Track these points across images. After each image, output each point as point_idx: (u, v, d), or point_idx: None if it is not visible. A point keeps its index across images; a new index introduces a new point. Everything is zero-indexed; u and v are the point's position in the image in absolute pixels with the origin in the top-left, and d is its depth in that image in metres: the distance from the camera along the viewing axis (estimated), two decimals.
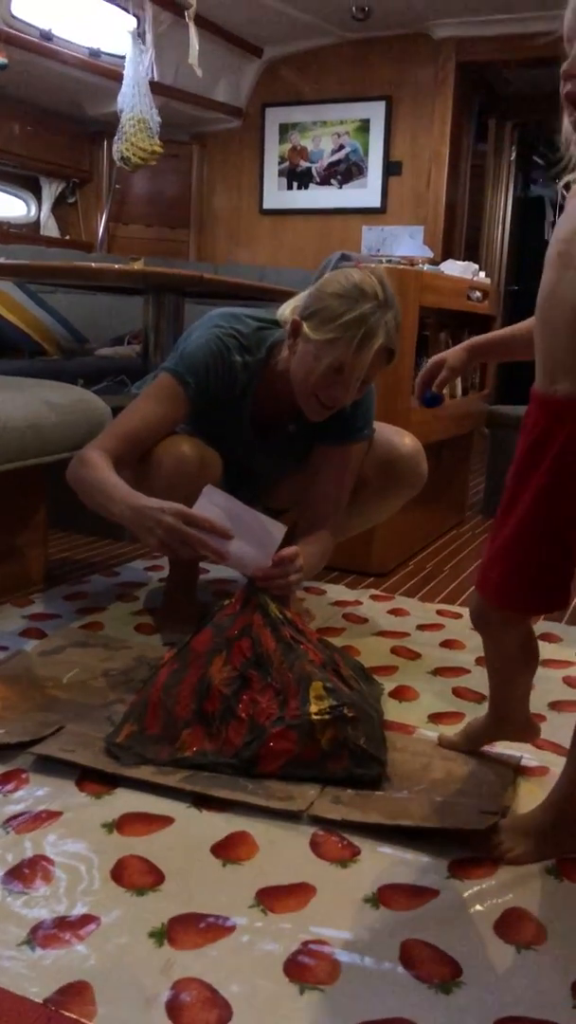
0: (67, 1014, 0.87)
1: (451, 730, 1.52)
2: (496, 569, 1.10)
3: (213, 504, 1.50)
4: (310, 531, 1.79)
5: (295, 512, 1.95)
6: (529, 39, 4.39)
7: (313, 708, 1.33)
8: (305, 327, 1.64)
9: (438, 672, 1.79)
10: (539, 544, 1.05)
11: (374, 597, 2.28)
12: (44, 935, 0.98)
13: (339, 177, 5.08)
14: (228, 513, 1.50)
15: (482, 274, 3.05)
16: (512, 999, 0.92)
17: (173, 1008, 0.88)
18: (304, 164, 5.15)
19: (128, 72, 4.15)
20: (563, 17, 0.95)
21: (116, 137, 4.24)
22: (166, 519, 1.49)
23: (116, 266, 2.85)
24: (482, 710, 1.60)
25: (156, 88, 4.47)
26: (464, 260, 3.12)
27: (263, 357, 1.77)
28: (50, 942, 0.97)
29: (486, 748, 1.46)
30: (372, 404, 1.86)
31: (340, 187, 5.09)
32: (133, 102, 4.16)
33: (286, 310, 1.76)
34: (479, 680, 1.75)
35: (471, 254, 5.21)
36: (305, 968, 0.95)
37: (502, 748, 1.46)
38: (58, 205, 5.02)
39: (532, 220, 6.29)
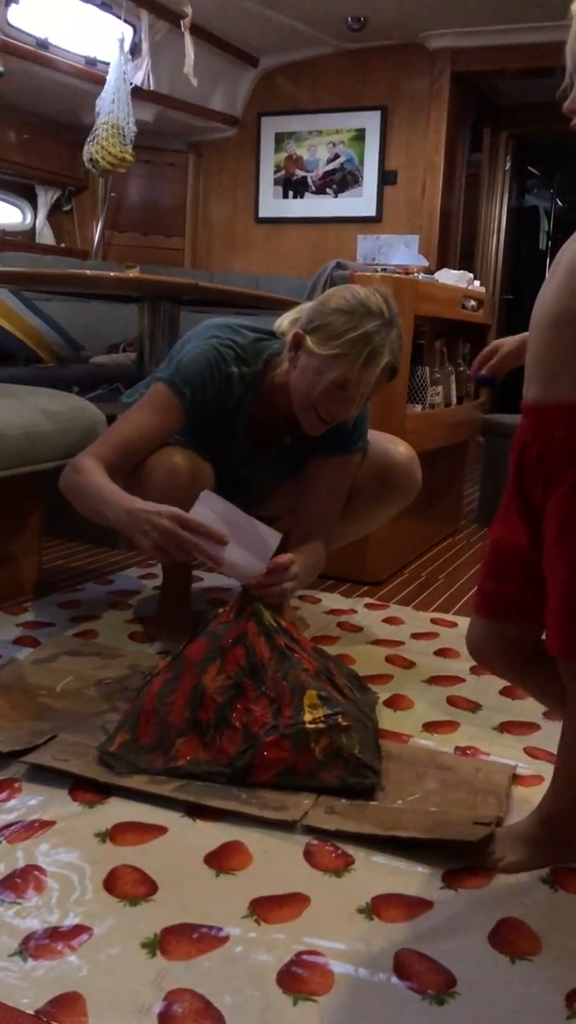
0: None
1: (446, 739, 1.52)
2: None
3: (209, 509, 1.50)
4: (303, 541, 1.78)
5: (288, 521, 1.95)
6: (524, 49, 4.41)
7: (307, 717, 1.32)
8: (308, 341, 1.63)
9: (433, 681, 1.78)
10: None
11: (369, 606, 2.27)
12: (36, 945, 0.97)
13: (334, 186, 5.09)
14: (224, 519, 1.50)
15: (477, 283, 3.06)
16: (507, 1010, 0.91)
17: (166, 1019, 0.88)
18: (300, 173, 5.16)
19: (111, 78, 4.16)
20: (564, 47, 0.95)
21: (88, 139, 4.24)
22: (162, 522, 1.48)
23: (111, 274, 2.85)
24: (476, 719, 1.60)
25: (151, 97, 4.48)
26: (459, 269, 3.13)
27: (260, 369, 1.77)
28: (42, 952, 0.96)
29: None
30: (367, 417, 1.86)
31: (335, 196, 5.10)
32: (111, 107, 4.17)
33: (284, 322, 1.76)
34: (473, 689, 1.75)
35: (466, 263, 5.22)
36: (299, 979, 0.94)
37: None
38: (53, 213, 5.02)
39: (527, 229, 6.31)
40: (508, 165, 5.72)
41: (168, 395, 1.73)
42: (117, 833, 1.20)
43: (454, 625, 2.15)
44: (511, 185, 5.82)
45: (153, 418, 1.73)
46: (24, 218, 4.91)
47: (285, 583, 1.51)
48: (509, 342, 1.41)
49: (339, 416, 1.69)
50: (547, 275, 1.02)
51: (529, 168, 6.32)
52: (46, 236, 4.96)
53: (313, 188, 5.15)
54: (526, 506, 1.07)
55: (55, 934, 0.99)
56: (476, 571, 2.70)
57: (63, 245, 5.06)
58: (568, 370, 0.98)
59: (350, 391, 1.63)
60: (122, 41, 4.11)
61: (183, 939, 0.99)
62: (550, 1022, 0.90)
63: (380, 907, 1.07)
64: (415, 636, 2.05)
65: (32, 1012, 0.88)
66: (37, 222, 4.93)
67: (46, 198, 4.92)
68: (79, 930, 1.00)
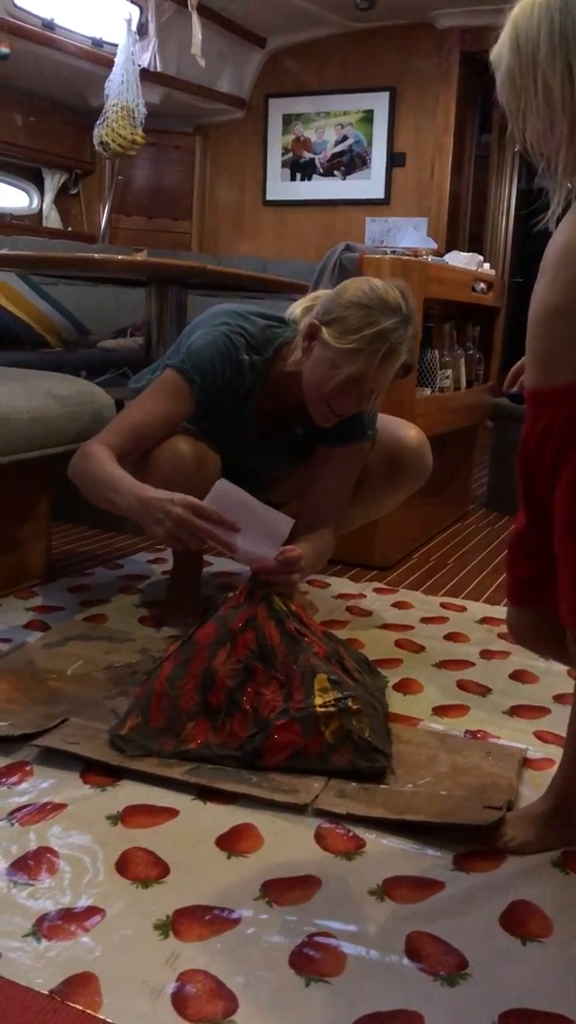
0: (73, 1005, 0.87)
1: (456, 723, 1.52)
2: None
3: (223, 497, 1.50)
4: (312, 529, 1.78)
5: (295, 507, 1.94)
6: None
7: (317, 700, 1.33)
8: (324, 333, 1.62)
9: (442, 665, 1.78)
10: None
11: (378, 590, 2.27)
12: (49, 926, 0.98)
13: (342, 168, 5.06)
14: (238, 506, 1.50)
15: (486, 265, 3.04)
16: (518, 992, 0.91)
17: (179, 999, 0.88)
18: (307, 155, 5.13)
19: (119, 59, 4.13)
20: None
21: (98, 122, 4.22)
22: (175, 510, 1.48)
23: (119, 257, 2.84)
24: (486, 703, 1.60)
25: (158, 78, 4.45)
26: (468, 251, 3.11)
27: (270, 357, 1.76)
28: (55, 933, 0.97)
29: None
30: (376, 406, 1.85)
31: (343, 178, 5.07)
32: (120, 90, 4.14)
33: (297, 310, 1.74)
34: (483, 673, 1.75)
35: (475, 245, 5.19)
36: (311, 960, 0.95)
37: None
38: (60, 196, 5.00)
39: (537, 212, 6.26)
40: (518, 146, 5.67)
41: (179, 382, 1.71)
42: (128, 816, 1.20)
43: (463, 609, 2.15)
44: (521, 167, 5.76)
45: (163, 405, 1.72)
46: (31, 202, 4.90)
47: (293, 574, 1.51)
48: None
49: (351, 410, 1.68)
50: (538, 272, 1.02)
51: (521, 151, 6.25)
52: (53, 220, 4.94)
53: (321, 170, 5.11)
54: (530, 490, 1.07)
55: (68, 915, 1.00)
56: (485, 555, 2.69)
57: (70, 229, 5.04)
58: (565, 356, 0.99)
59: (365, 387, 1.63)
60: (130, 22, 4.08)
61: (195, 921, 1.00)
62: (562, 1004, 0.90)
63: (391, 889, 1.07)
64: (424, 620, 2.05)
65: (46, 992, 0.88)
66: (44, 206, 4.91)
67: (53, 182, 4.90)
68: (92, 911, 1.01)
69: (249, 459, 1.88)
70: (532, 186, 6.25)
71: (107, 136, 4.18)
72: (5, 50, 3.77)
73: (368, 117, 4.94)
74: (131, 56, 4.11)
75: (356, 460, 1.84)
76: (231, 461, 1.84)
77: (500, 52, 0.95)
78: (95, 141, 4.27)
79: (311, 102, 5.06)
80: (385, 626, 2.00)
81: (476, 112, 5.14)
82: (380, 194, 4.98)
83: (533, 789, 1.30)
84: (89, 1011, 0.86)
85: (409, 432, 1.93)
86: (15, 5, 3.86)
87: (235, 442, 1.83)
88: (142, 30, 4.23)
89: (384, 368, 1.60)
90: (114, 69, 4.14)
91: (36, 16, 3.98)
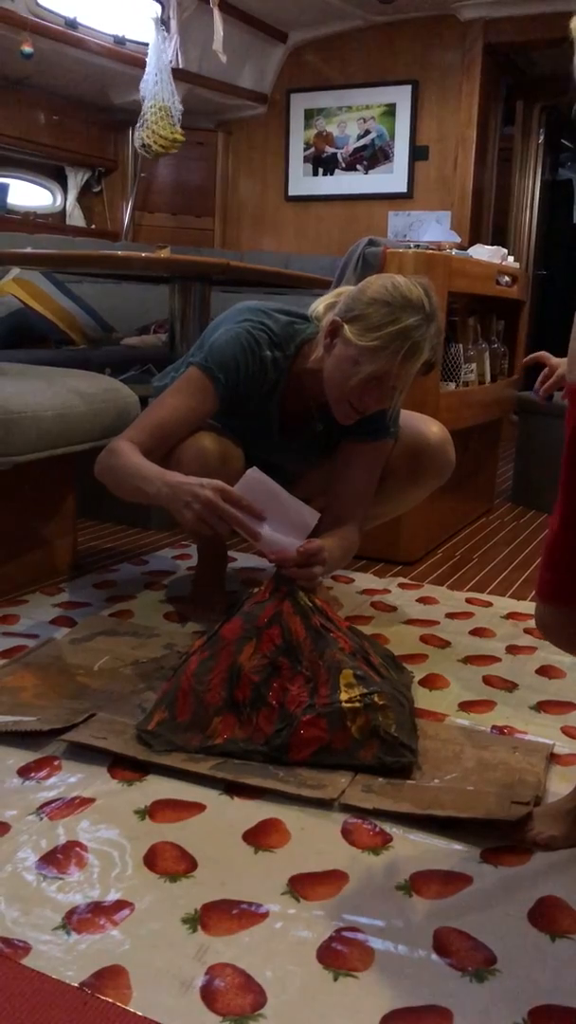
0: (103, 998, 0.88)
1: (482, 719, 1.51)
2: None
3: (253, 485, 1.51)
4: (336, 526, 1.77)
5: (319, 503, 1.94)
6: (559, 18, 4.32)
7: (343, 696, 1.33)
8: (346, 330, 1.61)
9: (468, 660, 1.78)
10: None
11: (402, 585, 2.27)
12: (79, 920, 0.99)
13: (365, 162, 5.04)
14: (266, 495, 1.51)
15: (510, 258, 3.02)
16: (547, 987, 0.91)
17: (208, 993, 0.89)
18: (330, 150, 5.12)
19: (151, 59, 4.14)
20: None
21: (138, 125, 4.23)
22: (205, 492, 1.49)
23: (143, 254, 2.85)
24: (513, 698, 1.60)
25: (181, 75, 4.45)
26: (492, 245, 3.09)
27: (293, 354, 1.76)
28: (85, 927, 0.97)
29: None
30: (399, 404, 1.84)
31: (366, 172, 5.05)
32: (155, 90, 4.15)
33: (320, 306, 1.74)
34: (509, 668, 1.74)
35: (499, 239, 5.15)
36: (338, 955, 0.95)
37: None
38: (83, 194, 5.02)
39: (561, 204, 6.21)
40: (541, 138, 5.62)
41: (202, 379, 1.72)
42: (156, 810, 1.21)
43: (489, 605, 2.14)
44: (544, 158, 5.72)
45: (187, 402, 1.73)
46: (54, 200, 4.92)
47: (314, 567, 1.51)
48: (561, 362, 1.47)
49: (372, 408, 1.67)
50: None
51: (563, 141, 6.20)
52: (76, 218, 4.97)
53: (343, 165, 5.10)
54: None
55: (97, 909, 1.00)
56: (511, 550, 2.68)
57: (93, 227, 5.06)
58: None
59: (386, 385, 1.62)
60: (158, 21, 4.08)
61: (223, 915, 1.00)
62: None
63: (419, 884, 1.07)
64: (450, 616, 2.04)
65: (76, 985, 0.89)
66: (67, 204, 4.93)
67: (76, 180, 4.92)
68: (121, 905, 1.01)
69: (273, 455, 1.88)
70: (556, 178, 6.21)
71: (148, 138, 4.20)
72: (28, 49, 3.79)
73: (390, 111, 4.91)
74: (162, 55, 4.12)
75: (379, 458, 1.84)
76: (255, 457, 1.84)
77: None
78: (136, 144, 4.29)
79: (333, 96, 5.04)
80: (410, 621, 1.99)
81: (499, 104, 5.10)
82: (403, 188, 4.96)
83: (561, 784, 1.29)
84: (119, 1004, 0.87)
85: (432, 428, 1.92)
86: (38, 4, 3.87)
87: (259, 438, 1.83)
88: (164, 26, 4.24)
89: (406, 366, 1.59)
90: (147, 69, 4.15)
91: (59, 15, 3.99)
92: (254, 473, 1.53)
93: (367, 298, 1.61)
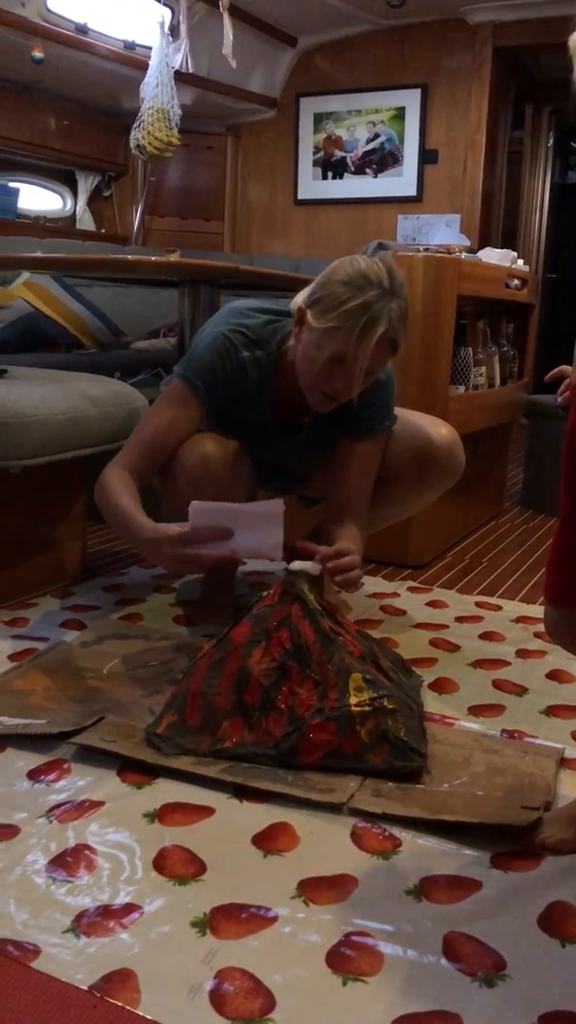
0: (112, 1001, 0.88)
1: (492, 723, 1.51)
2: None
3: (204, 513, 1.52)
4: (342, 524, 1.77)
5: (324, 505, 1.94)
6: (567, 22, 4.31)
7: (353, 700, 1.32)
8: (309, 315, 1.60)
9: (478, 664, 1.77)
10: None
11: (412, 589, 2.26)
12: (88, 923, 0.99)
13: (374, 166, 5.04)
14: (222, 514, 1.53)
15: (520, 261, 3.01)
16: (557, 993, 0.91)
17: (216, 997, 0.89)
18: (339, 153, 5.12)
19: (153, 62, 4.15)
20: None
21: (134, 125, 4.24)
22: (165, 551, 1.52)
23: (152, 258, 2.85)
24: (523, 702, 1.59)
25: (190, 79, 4.47)
26: (501, 248, 3.08)
27: (274, 351, 1.75)
28: (94, 930, 0.98)
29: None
30: (392, 392, 1.83)
31: (375, 176, 5.05)
32: (155, 92, 4.16)
33: (298, 299, 1.73)
34: (519, 672, 1.74)
35: (508, 242, 5.15)
36: (347, 959, 0.95)
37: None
38: (93, 199, 5.04)
39: (570, 207, 6.20)
40: (551, 141, 5.62)
41: (183, 389, 1.73)
42: (165, 813, 1.21)
43: (499, 608, 2.13)
44: (554, 162, 5.72)
45: (171, 414, 1.73)
46: (64, 204, 4.94)
47: (356, 569, 1.53)
48: None
49: (342, 393, 1.64)
50: None
51: (572, 144, 6.19)
52: (86, 222, 4.98)
53: (352, 168, 5.10)
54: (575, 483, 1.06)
55: (107, 912, 1.00)
56: (520, 554, 2.67)
57: (103, 231, 5.08)
58: None
59: (348, 365, 1.58)
60: (163, 24, 4.10)
61: (232, 919, 1.00)
62: None
63: (428, 889, 1.07)
64: (459, 619, 2.04)
65: (86, 988, 0.89)
66: (77, 208, 4.95)
67: (86, 184, 4.94)
68: (130, 908, 1.01)
69: (275, 455, 1.88)
70: (566, 181, 6.20)
71: (143, 139, 4.21)
72: (39, 55, 3.80)
73: (400, 114, 4.92)
74: (164, 58, 4.13)
75: (377, 451, 1.83)
76: (258, 458, 1.84)
77: None
78: (132, 145, 4.30)
79: (342, 100, 5.05)
80: (419, 625, 1.99)
81: (509, 107, 5.10)
82: (412, 191, 4.96)
83: (571, 789, 1.29)
84: (128, 1007, 0.87)
85: (440, 430, 1.91)
86: (49, 10, 3.89)
87: (257, 439, 1.83)
88: (174, 31, 4.25)
89: (363, 341, 1.55)
90: (148, 72, 4.16)
91: (69, 20, 4.01)
92: (196, 504, 1.53)
93: (329, 280, 1.59)
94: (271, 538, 1.51)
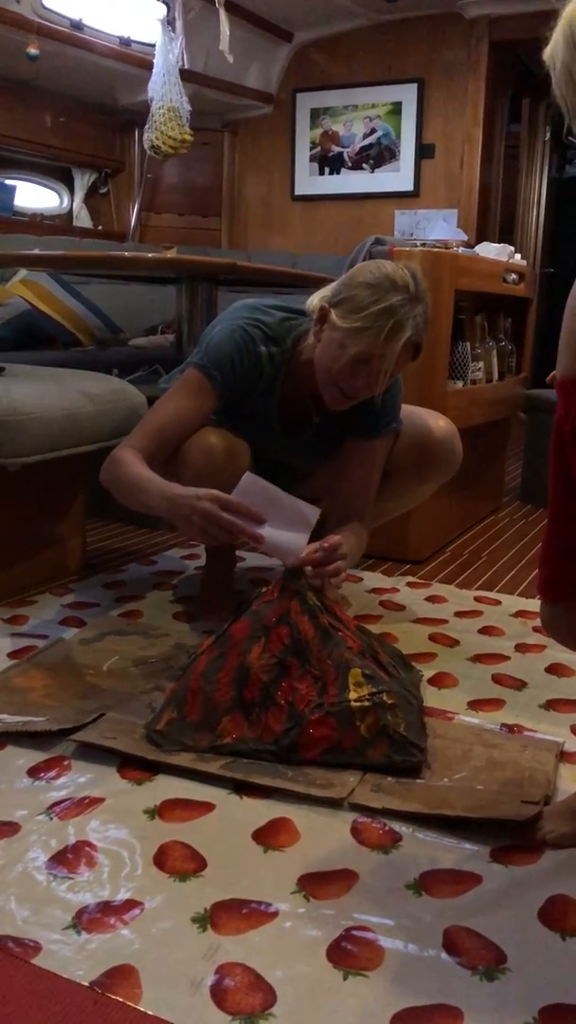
0: (113, 997, 0.88)
1: (491, 717, 1.51)
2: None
3: (249, 489, 1.51)
4: (342, 524, 1.77)
5: (326, 504, 1.94)
6: None
7: (352, 695, 1.33)
8: (333, 314, 1.62)
9: (477, 659, 1.77)
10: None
11: (411, 584, 2.27)
12: (89, 919, 0.99)
13: (371, 161, 5.04)
14: (264, 498, 1.51)
15: (518, 256, 3.01)
16: (558, 987, 0.91)
17: (217, 992, 0.89)
18: (336, 149, 5.12)
19: (158, 61, 4.15)
20: None
21: (147, 126, 4.25)
22: (202, 504, 1.49)
23: (150, 255, 2.85)
24: (522, 697, 1.59)
25: (186, 76, 4.46)
26: (499, 242, 3.08)
27: (288, 348, 1.76)
28: (95, 926, 0.98)
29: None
30: (399, 396, 1.85)
31: (372, 171, 5.05)
32: (163, 91, 4.16)
33: (315, 299, 1.74)
34: (519, 666, 1.74)
35: (506, 236, 5.14)
36: (348, 954, 0.95)
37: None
38: (90, 195, 5.03)
39: (568, 201, 6.20)
40: (548, 136, 5.61)
41: (199, 379, 1.73)
42: (165, 810, 1.21)
43: (498, 603, 2.14)
44: (551, 156, 5.71)
45: (186, 402, 1.74)
46: (61, 202, 4.93)
47: (338, 562, 1.51)
48: None
49: (361, 392, 1.66)
50: None
51: (569, 138, 6.17)
52: (83, 219, 4.98)
53: (349, 164, 5.10)
54: (564, 478, 1.06)
55: (107, 908, 1.01)
56: (520, 548, 2.68)
57: (100, 228, 5.07)
58: None
59: (372, 366, 1.61)
60: (164, 22, 4.09)
61: (233, 914, 1.00)
62: None
63: (428, 883, 1.07)
64: (458, 614, 2.04)
65: (87, 984, 0.89)
66: (74, 205, 4.95)
67: (83, 181, 4.93)
68: (131, 905, 1.01)
69: (279, 452, 1.89)
70: (563, 175, 6.19)
71: (157, 139, 4.21)
72: (34, 51, 3.80)
73: (396, 109, 4.91)
74: (169, 56, 4.13)
75: (381, 454, 1.84)
76: (262, 455, 1.84)
77: (555, 50, 0.94)
78: (146, 146, 4.30)
79: (339, 96, 5.04)
80: (419, 620, 1.99)
81: (506, 102, 5.09)
82: (409, 186, 4.96)
83: (570, 783, 1.29)
84: (129, 1003, 0.87)
85: (439, 423, 1.92)
86: (44, 6, 3.89)
87: (263, 435, 1.83)
88: (170, 27, 4.25)
89: (390, 345, 1.58)
90: (154, 70, 4.16)
91: (65, 16, 4.01)
92: (249, 477, 1.53)
93: (355, 283, 1.61)
94: (297, 540, 1.50)
